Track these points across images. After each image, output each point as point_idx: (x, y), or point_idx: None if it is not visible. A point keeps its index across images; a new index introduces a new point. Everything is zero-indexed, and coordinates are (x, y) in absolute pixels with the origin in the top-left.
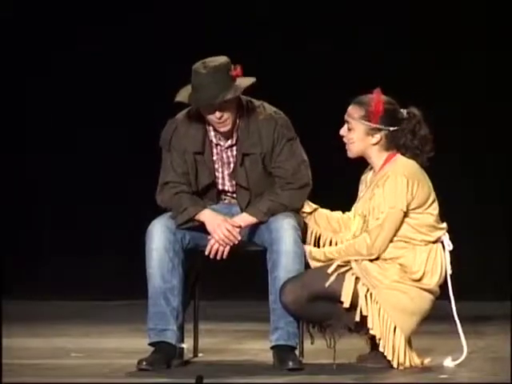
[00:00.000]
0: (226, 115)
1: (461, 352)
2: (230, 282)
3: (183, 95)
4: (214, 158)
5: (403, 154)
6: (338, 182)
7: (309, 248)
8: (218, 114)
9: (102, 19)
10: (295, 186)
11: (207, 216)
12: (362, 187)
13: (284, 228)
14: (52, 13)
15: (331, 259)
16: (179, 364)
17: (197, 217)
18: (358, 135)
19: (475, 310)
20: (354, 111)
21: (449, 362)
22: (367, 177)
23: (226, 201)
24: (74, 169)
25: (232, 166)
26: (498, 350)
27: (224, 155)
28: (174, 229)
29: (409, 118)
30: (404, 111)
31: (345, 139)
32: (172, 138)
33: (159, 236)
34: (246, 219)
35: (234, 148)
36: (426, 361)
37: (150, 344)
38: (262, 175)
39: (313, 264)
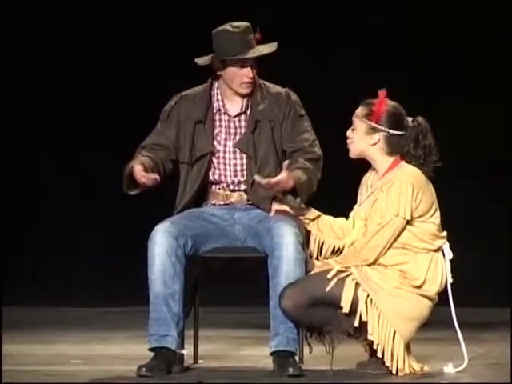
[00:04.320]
0: (254, 71)
1: (461, 359)
2: (230, 288)
3: (208, 57)
4: (217, 130)
5: (408, 162)
6: (339, 188)
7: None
8: (250, 71)
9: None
10: (315, 156)
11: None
12: (362, 190)
13: (285, 234)
14: None
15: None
16: (179, 370)
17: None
18: (359, 134)
19: (475, 316)
20: (359, 110)
21: (449, 369)
22: (368, 180)
23: (225, 197)
24: (73, 171)
25: (238, 136)
26: (498, 357)
27: (232, 124)
28: (177, 234)
29: (413, 126)
30: (410, 119)
31: (348, 140)
32: (173, 109)
33: (162, 241)
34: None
35: (243, 116)
36: (426, 367)
37: (151, 349)
38: (269, 143)
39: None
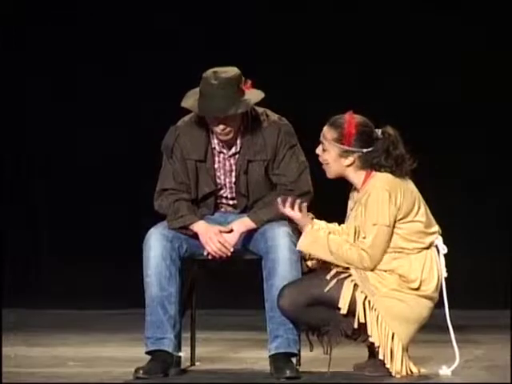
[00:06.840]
0: (229, 128)
1: (458, 361)
2: (226, 290)
3: (190, 102)
4: (216, 165)
5: (378, 170)
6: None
7: (312, 224)
8: (221, 126)
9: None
10: (296, 193)
11: (201, 227)
12: (350, 204)
13: (279, 236)
14: None
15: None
16: (176, 372)
17: (191, 226)
18: (332, 157)
19: (473, 318)
20: (327, 133)
21: (445, 371)
22: (354, 194)
23: (223, 209)
24: (73, 171)
25: (234, 174)
26: (495, 359)
27: (227, 163)
28: (171, 237)
29: (383, 138)
30: (379, 131)
31: (320, 159)
32: (174, 145)
33: (156, 244)
34: (246, 224)
35: (237, 156)
36: (423, 369)
37: (147, 352)
38: (262, 181)
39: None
